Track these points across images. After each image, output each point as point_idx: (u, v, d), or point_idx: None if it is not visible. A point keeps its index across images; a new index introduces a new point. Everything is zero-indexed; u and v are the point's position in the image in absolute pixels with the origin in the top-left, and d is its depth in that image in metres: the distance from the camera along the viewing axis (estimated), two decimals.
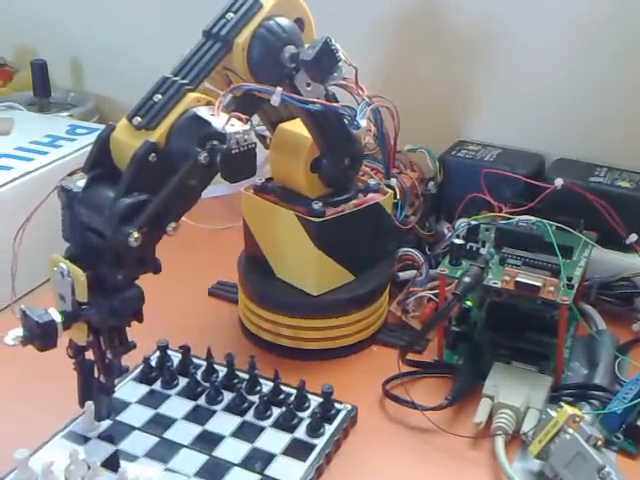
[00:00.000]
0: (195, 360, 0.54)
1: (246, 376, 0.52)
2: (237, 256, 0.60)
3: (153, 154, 0.40)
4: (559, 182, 0.59)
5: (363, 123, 0.49)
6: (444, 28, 0.71)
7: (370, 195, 0.57)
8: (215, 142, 0.40)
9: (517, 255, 0.54)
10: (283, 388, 0.51)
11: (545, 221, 0.55)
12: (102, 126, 0.75)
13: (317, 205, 0.52)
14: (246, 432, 0.48)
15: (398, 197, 0.61)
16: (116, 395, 0.50)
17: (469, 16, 0.69)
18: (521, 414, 0.49)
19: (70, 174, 0.42)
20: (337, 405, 0.50)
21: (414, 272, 0.63)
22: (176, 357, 0.54)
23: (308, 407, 0.50)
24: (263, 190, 0.56)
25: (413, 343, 0.53)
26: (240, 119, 0.41)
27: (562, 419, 0.44)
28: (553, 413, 0.45)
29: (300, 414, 0.49)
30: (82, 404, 0.46)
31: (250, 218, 0.57)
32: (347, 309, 0.55)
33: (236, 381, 0.52)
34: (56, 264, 0.41)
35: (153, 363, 0.53)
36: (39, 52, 0.94)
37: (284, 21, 0.47)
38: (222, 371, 0.53)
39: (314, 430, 0.47)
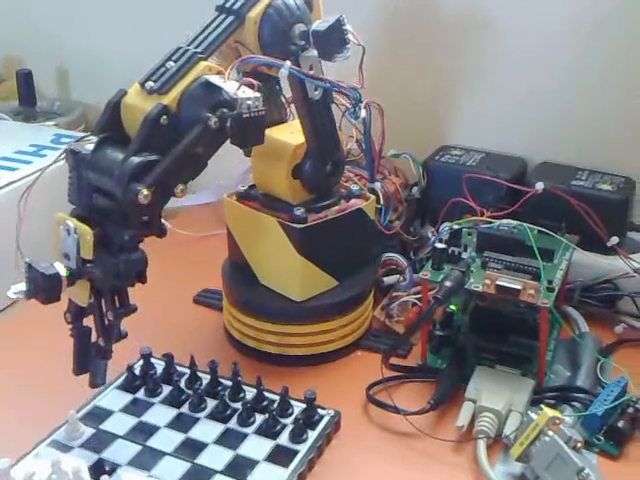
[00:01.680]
0: (179, 368, 0.54)
1: (230, 383, 0.52)
2: (221, 263, 0.60)
3: (164, 117, 0.41)
4: (540, 186, 0.59)
5: (362, 113, 0.50)
6: (426, 33, 0.72)
7: (353, 201, 0.57)
8: (225, 109, 0.41)
9: (498, 259, 0.54)
10: (266, 394, 0.51)
11: (525, 225, 0.55)
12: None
13: (299, 211, 0.52)
14: (229, 439, 0.48)
15: (382, 202, 0.62)
16: (99, 403, 0.51)
17: (452, 20, 0.70)
18: (503, 417, 0.49)
19: (78, 140, 0.44)
20: (320, 411, 0.50)
21: (398, 277, 0.63)
22: (160, 365, 0.54)
23: (291, 413, 0.50)
24: (246, 197, 0.56)
25: (395, 347, 0.53)
26: (252, 86, 0.42)
27: (542, 422, 0.45)
28: (534, 416, 0.45)
29: (283, 420, 0.49)
30: (77, 371, 0.46)
31: (233, 225, 0.57)
32: (331, 315, 0.55)
33: (219, 388, 0.52)
34: (62, 222, 0.42)
35: (137, 371, 0.53)
36: (25, 61, 0.94)
37: (294, 0, 0.48)
38: (206, 379, 0.53)
39: (297, 436, 0.47)
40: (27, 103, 0.88)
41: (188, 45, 0.45)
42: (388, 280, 0.63)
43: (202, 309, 0.65)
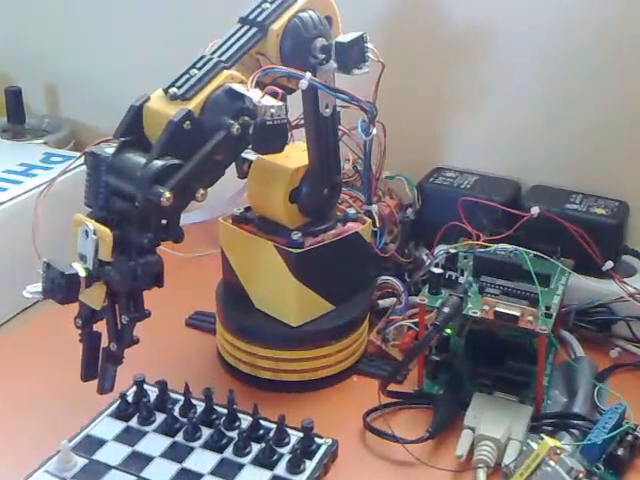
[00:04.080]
0: (172, 395, 0.53)
1: (225, 411, 0.51)
2: (214, 285, 0.60)
3: (188, 122, 0.42)
4: (535, 210, 0.59)
5: (374, 130, 0.50)
6: (419, 54, 0.72)
7: (349, 224, 0.57)
8: (247, 117, 0.43)
9: (496, 284, 0.54)
10: (263, 423, 0.50)
11: (522, 249, 0.55)
12: (78, 154, 0.76)
13: (296, 236, 0.52)
14: (225, 469, 0.47)
15: (378, 225, 0.61)
16: (92, 432, 0.50)
17: (447, 42, 0.70)
18: (502, 446, 0.48)
19: (97, 143, 0.44)
20: (317, 440, 0.49)
21: (393, 300, 0.63)
22: (153, 392, 0.53)
23: (288, 442, 0.49)
24: (241, 220, 0.56)
25: (393, 375, 0.52)
26: (276, 95, 0.43)
27: (543, 451, 0.44)
28: (534, 445, 0.45)
29: (280, 450, 0.48)
30: (85, 378, 0.46)
31: (228, 248, 0.57)
32: (327, 340, 0.55)
33: (214, 416, 0.51)
34: (80, 223, 0.42)
35: (129, 399, 0.52)
36: (13, 77, 0.93)
37: (316, 15, 0.49)
38: (200, 406, 0.52)
39: (294, 466, 0.47)
40: (15, 121, 0.87)
41: (212, 54, 0.46)
42: (383, 303, 0.63)
43: (194, 332, 0.64)
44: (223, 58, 0.45)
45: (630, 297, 0.58)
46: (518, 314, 0.50)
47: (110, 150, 0.43)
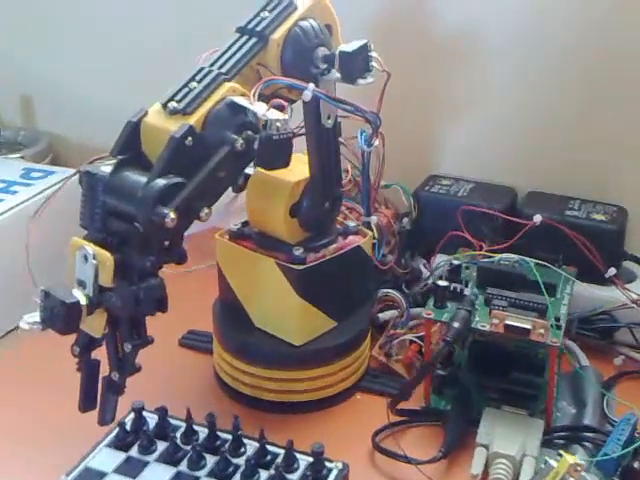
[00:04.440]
0: (173, 421, 0.51)
1: (228, 437, 0.49)
2: (206, 302, 0.58)
3: (190, 138, 0.40)
4: (538, 218, 0.58)
5: (376, 142, 0.48)
6: (412, 61, 0.70)
7: (350, 237, 0.55)
8: (249, 131, 0.41)
9: (502, 295, 0.53)
10: (269, 448, 0.48)
11: (528, 259, 0.54)
12: (59, 169, 0.73)
13: (298, 252, 0.50)
14: None
15: (376, 236, 0.60)
16: (90, 464, 0.47)
17: (440, 49, 0.69)
18: (517, 463, 0.47)
19: (91, 161, 0.43)
20: (328, 464, 0.47)
21: (393, 312, 0.61)
22: (152, 419, 0.51)
23: (297, 468, 0.47)
24: (239, 236, 0.54)
25: (404, 394, 0.51)
26: (281, 108, 0.42)
27: (563, 469, 0.43)
28: (553, 462, 0.44)
29: (290, 476, 0.46)
30: (83, 409, 0.44)
31: (225, 265, 0.55)
32: (332, 358, 0.53)
33: (218, 443, 0.49)
34: (79, 247, 0.40)
35: (128, 427, 0.50)
36: None
37: (317, 24, 0.48)
38: (202, 432, 0.49)
39: None
40: None
41: (211, 66, 0.44)
42: (383, 316, 0.61)
43: (189, 353, 0.62)
44: (223, 70, 0.44)
45: (634, 304, 0.57)
46: (529, 327, 0.49)
47: (107, 169, 0.41)
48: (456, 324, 0.50)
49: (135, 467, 0.47)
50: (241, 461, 0.47)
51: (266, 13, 0.47)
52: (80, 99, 0.86)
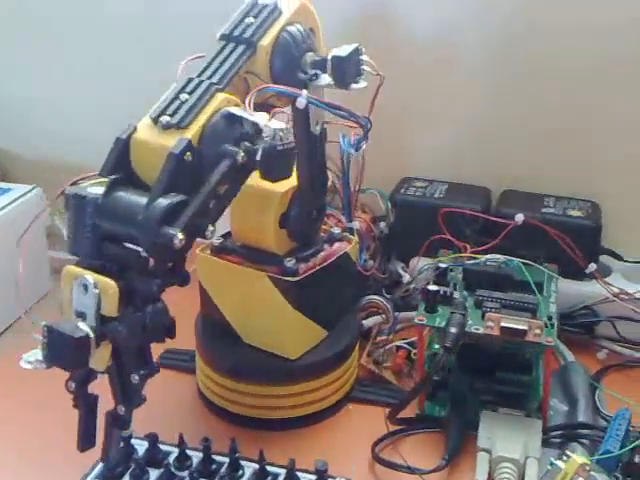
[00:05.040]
0: (162, 447, 0.48)
1: (224, 460, 0.47)
2: (182, 319, 0.55)
3: (189, 153, 0.38)
4: (520, 218, 0.58)
5: (364, 146, 0.47)
6: (383, 65, 0.70)
7: (336, 245, 0.54)
8: (247, 143, 0.39)
9: (493, 297, 0.53)
10: (269, 469, 0.46)
11: (516, 259, 0.54)
12: (15, 185, 0.69)
13: (290, 263, 0.49)
14: None
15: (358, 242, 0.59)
16: None
17: (410, 53, 0.68)
18: (521, 466, 0.47)
19: (73, 182, 0.39)
20: None
21: (377, 318, 0.60)
22: (140, 446, 0.48)
23: None
24: (222, 250, 0.52)
25: (404, 404, 0.50)
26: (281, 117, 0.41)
27: (572, 470, 0.43)
28: (560, 464, 0.44)
29: None
30: (82, 447, 0.41)
31: (208, 282, 0.52)
32: (324, 370, 0.52)
33: (214, 467, 0.47)
34: (75, 276, 0.37)
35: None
36: None
37: (303, 28, 0.46)
38: (196, 456, 0.47)
39: None
40: None
41: (198, 76, 0.42)
42: (367, 323, 0.60)
43: (168, 373, 0.59)
44: (214, 80, 0.42)
45: (615, 297, 0.58)
46: (525, 328, 0.49)
47: (96, 190, 0.38)
48: (453, 329, 0.49)
49: None
50: None
51: (251, 19, 0.45)
52: (28, 114, 0.82)
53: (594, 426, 0.51)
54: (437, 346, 0.56)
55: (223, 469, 0.46)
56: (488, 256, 0.56)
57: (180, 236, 0.36)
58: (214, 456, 0.47)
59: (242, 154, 0.39)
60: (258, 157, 0.39)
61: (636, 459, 0.47)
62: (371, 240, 0.63)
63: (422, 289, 0.54)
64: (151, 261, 0.37)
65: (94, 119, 0.76)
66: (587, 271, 0.59)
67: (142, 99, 0.70)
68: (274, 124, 0.40)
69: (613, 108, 0.65)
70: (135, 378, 0.39)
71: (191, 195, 0.38)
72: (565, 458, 0.44)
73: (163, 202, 0.37)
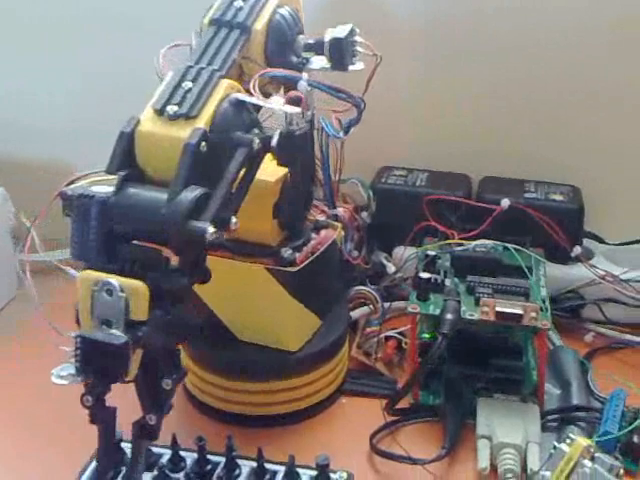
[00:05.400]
0: (154, 449, 0.46)
1: (219, 459, 0.45)
2: None
3: (204, 143, 0.36)
4: (506, 203, 0.58)
5: (351, 130, 0.46)
6: None
7: (322, 232, 0.53)
8: (256, 130, 0.38)
9: (483, 282, 0.52)
10: (267, 467, 0.45)
11: (508, 245, 0.54)
12: None
13: (287, 253, 0.47)
14: None
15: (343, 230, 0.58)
16: None
17: (382, 39, 0.67)
18: (523, 451, 0.46)
19: (69, 182, 0.37)
20: (332, 475, 0.44)
21: (364, 309, 0.59)
22: (129, 449, 0.46)
23: None
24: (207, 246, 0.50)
25: (402, 393, 0.49)
26: (299, 101, 0.40)
27: (576, 453, 0.42)
28: (564, 447, 0.43)
29: None
30: (103, 466, 0.39)
31: None
32: (320, 361, 0.51)
33: (209, 467, 0.45)
34: (97, 281, 0.35)
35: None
36: None
37: (293, 11, 0.45)
38: (189, 457, 0.46)
39: None
40: None
41: (196, 63, 0.40)
42: (354, 314, 0.59)
43: None
44: (215, 66, 0.40)
45: (602, 279, 0.58)
46: (521, 312, 0.48)
47: (101, 189, 0.36)
48: (449, 316, 0.48)
49: None
50: None
51: (240, 2, 0.44)
52: None
53: (590, 408, 0.50)
54: (427, 335, 0.55)
55: (219, 469, 0.45)
56: (477, 242, 0.56)
57: (211, 229, 0.35)
58: (209, 456, 0.45)
59: (257, 141, 0.38)
60: (274, 143, 0.38)
61: (635, 439, 0.47)
62: (355, 230, 0.62)
63: (414, 277, 0.53)
64: (176, 258, 0.36)
65: (60, 115, 0.73)
66: (572, 254, 0.59)
67: (111, 95, 0.68)
68: (290, 109, 0.39)
69: (590, 93, 0.65)
70: (167, 383, 0.37)
71: (210, 187, 0.36)
72: (569, 441, 0.43)
73: (188, 195, 0.35)
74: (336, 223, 0.55)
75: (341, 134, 0.48)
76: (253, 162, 0.39)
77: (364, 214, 0.65)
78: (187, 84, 0.39)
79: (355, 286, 0.59)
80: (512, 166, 0.67)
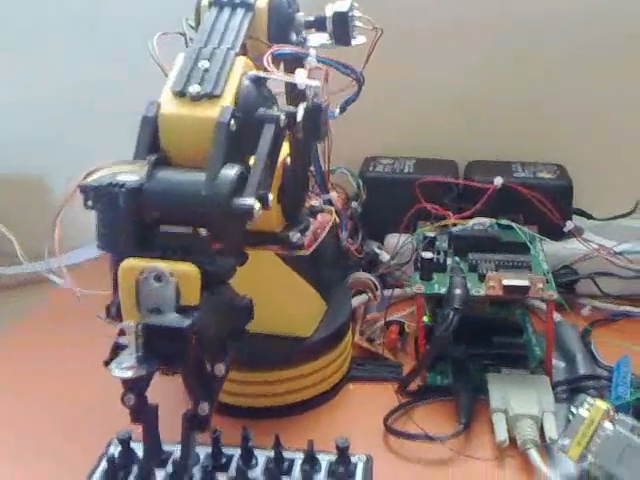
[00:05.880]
0: (164, 446, 0.44)
1: (232, 452, 0.44)
2: None
3: (233, 121, 0.36)
4: (499, 181, 0.59)
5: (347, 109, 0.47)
6: None
7: (319, 217, 0.52)
8: (274, 105, 0.38)
9: (486, 259, 0.52)
10: (285, 455, 0.43)
11: (509, 222, 0.54)
12: None
13: (295, 237, 0.46)
14: None
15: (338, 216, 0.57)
16: None
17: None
18: (539, 421, 0.46)
19: (87, 175, 0.35)
20: (351, 458, 0.44)
21: (363, 297, 0.59)
22: (138, 449, 0.44)
23: (320, 469, 0.43)
24: None
25: (417, 372, 0.49)
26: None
27: (597, 416, 0.42)
28: (583, 412, 0.43)
29: (316, 477, 0.42)
30: (151, 463, 0.39)
31: None
32: (327, 347, 0.50)
33: (224, 460, 0.44)
34: (143, 269, 0.33)
35: (117, 461, 0.43)
36: None
37: None
38: (202, 451, 0.44)
39: None
40: None
41: (205, 45, 0.39)
42: (352, 302, 0.58)
43: None
44: (228, 45, 0.39)
45: (597, 252, 0.59)
46: (528, 284, 0.48)
47: (128, 177, 0.35)
48: (458, 291, 0.48)
49: None
50: (256, 473, 0.42)
51: None
52: None
53: (599, 376, 0.51)
54: (426, 318, 0.55)
55: (235, 460, 0.43)
56: (474, 220, 0.56)
57: (258, 205, 0.34)
58: (223, 449, 0.44)
59: (283, 117, 0.37)
60: (299, 118, 0.38)
61: None
62: (348, 218, 0.61)
63: (415, 259, 0.53)
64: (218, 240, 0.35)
65: (29, 126, 0.71)
66: (565, 229, 0.60)
67: (81, 105, 0.66)
68: (314, 82, 0.39)
69: (571, 73, 0.66)
70: (220, 369, 0.35)
71: (242, 165, 0.36)
72: (587, 406, 0.43)
73: (229, 173, 0.35)
74: (330, 207, 0.54)
75: (336, 112, 0.47)
76: (278, 139, 0.38)
77: (355, 203, 0.65)
78: (204, 63, 0.38)
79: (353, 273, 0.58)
80: (497, 150, 0.68)
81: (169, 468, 0.43)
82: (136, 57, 0.67)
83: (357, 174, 0.65)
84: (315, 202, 0.54)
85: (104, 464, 0.43)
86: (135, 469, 0.43)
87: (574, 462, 0.43)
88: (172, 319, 0.33)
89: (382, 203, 0.64)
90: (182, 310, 0.33)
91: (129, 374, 0.32)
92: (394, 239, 0.62)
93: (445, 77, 0.69)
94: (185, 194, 0.35)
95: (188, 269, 0.34)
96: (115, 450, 0.44)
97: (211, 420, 0.36)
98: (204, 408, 0.35)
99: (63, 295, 0.66)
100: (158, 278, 0.33)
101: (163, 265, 0.33)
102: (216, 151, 0.35)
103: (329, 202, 0.56)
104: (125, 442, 0.44)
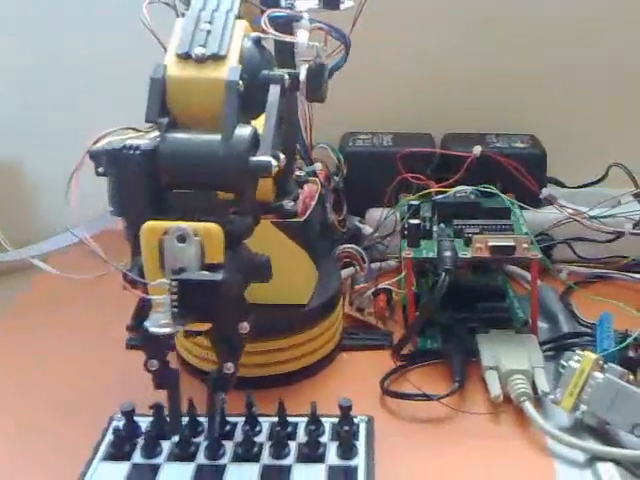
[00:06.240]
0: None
1: (236, 419, 0.44)
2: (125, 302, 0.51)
3: (241, 82, 0.36)
4: (478, 150, 0.60)
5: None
6: None
7: (306, 187, 0.53)
8: (274, 66, 0.38)
9: (470, 224, 0.54)
10: (289, 419, 0.44)
11: (492, 188, 0.56)
12: None
13: (289, 205, 0.47)
14: (272, 477, 0.41)
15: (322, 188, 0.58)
16: None
17: None
18: (531, 376, 0.48)
19: (96, 141, 0.35)
20: (354, 419, 0.44)
21: (350, 270, 0.60)
22: (142, 422, 0.44)
23: (324, 431, 0.44)
24: None
25: (411, 334, 0.50)
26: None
27: (588, 366, 0.44)
28: (573, 364, 0.45)
29: (321, 440, 0.43)
30: (176, 431, 0.40)
31: None
32: (324, 315, 0.50)
33: (228, 428, 0.44)
34: (166, 229, 0.33)
35: (122, 434, 0.43)
36: None
37: None
38: (205, 421, 0.44)
39: (346, 452, 0.42)
40: None
41: (204, 7, 0.39)
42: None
43: (139, 354, 0.55)
44: (227, 7, 0.39)
45: (574, 218, 0.61)
46: (514, 244, 0.50)
47: (139, 141, 0.35)
48: (448, 253, 0.49)
49: (147, 474, 0.41)
50: (262, 438, 0.43)
51: None
52: None
53: (583, 333, 0.53)
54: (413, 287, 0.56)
55: (239, 427, 0.44)
56: (456, 189, 0.57)
57: (274, 162, 0.34)
58: (227, 418, 0.44)
59: (287, 77, 0.38)
60: (302, 78, 0.38)
61: (631, 354, 0.49)
62: (331, 192, 0.62)
63: (402, 227, 0.54)
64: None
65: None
66: (541, 196, 0.62)
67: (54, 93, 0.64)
68: (316, 42, 0.40)
69: (540, 44, 0.68)
70: (244, 326, 0.36)
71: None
72: (577, 358, 0.45)
73: (243, 132, 0.35)
74: (315, 179, 0.55)
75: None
76: (283, 99, 0.38)
77: (336, 179, 0.65)
78: (205, 26, 0.38)
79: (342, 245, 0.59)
80: (471, 123, 0.69)
81: (174, 438, 0.43)
82: (112, 34, 0.67)
83: (337, 149, 0.65)
84: (301, 172, 0.54)
85: (110, 436, 0.43)
86: (140, 441, 0.43)
87: (567, 412, 0.45)
88: (205, 274, 0.33)
89: (362, 177, 0.65)
90: (207, 269, 0.33)
91: (167, 330, 0.33)
92: (376, 213, 0.63)
93: (418, 53, 0.70)
94: (201, 155, 0.35)
95: (212, 227, 0.34)
96: (119, 422, 0.44)
97: (236, 379, 0.37)
98: (230, 367, 0.36)
99: (49, 280, 0.66)
100: (182, 238, 0.33)
101: (185, 225, 0.34)
102: (229, 111, 0.35)
103: (313, 174, 0.56)
104: (129, 414, 0.44)
